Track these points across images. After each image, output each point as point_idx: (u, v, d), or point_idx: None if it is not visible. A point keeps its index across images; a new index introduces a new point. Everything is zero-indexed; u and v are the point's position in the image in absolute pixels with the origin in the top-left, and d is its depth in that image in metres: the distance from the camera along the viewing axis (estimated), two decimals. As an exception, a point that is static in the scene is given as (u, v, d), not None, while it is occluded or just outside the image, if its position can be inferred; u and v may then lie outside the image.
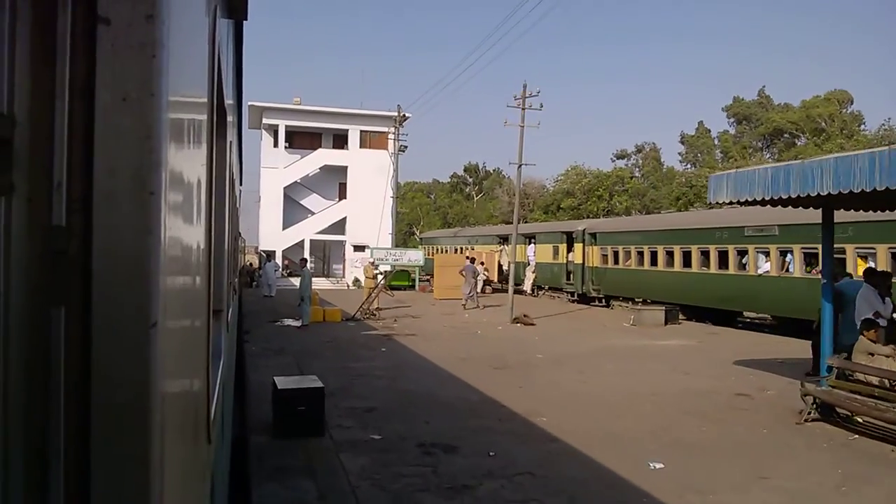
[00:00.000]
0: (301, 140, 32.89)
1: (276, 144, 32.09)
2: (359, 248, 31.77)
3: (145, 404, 0.63)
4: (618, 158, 52.98)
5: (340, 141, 33.08)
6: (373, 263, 23.80)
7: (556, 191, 49.49)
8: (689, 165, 50.52)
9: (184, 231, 0.83)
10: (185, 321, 0.87)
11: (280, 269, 31.81)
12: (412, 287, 28.60)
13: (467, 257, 23.15)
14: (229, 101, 2.41)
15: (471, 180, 67.55)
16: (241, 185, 9.41)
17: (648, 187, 47.04)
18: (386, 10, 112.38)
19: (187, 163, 0.83)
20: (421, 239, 40.24)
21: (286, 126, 31.61)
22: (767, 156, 43.05)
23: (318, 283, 30.65)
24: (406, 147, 31.79)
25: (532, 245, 26.77)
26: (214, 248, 1.32)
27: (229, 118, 2.41)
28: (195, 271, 0.97)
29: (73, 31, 0.63)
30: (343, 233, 32.49)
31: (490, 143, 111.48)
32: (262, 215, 31.59)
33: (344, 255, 32.80)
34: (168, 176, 0.67)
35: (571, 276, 23.98)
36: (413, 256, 28.25)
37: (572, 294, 23.76)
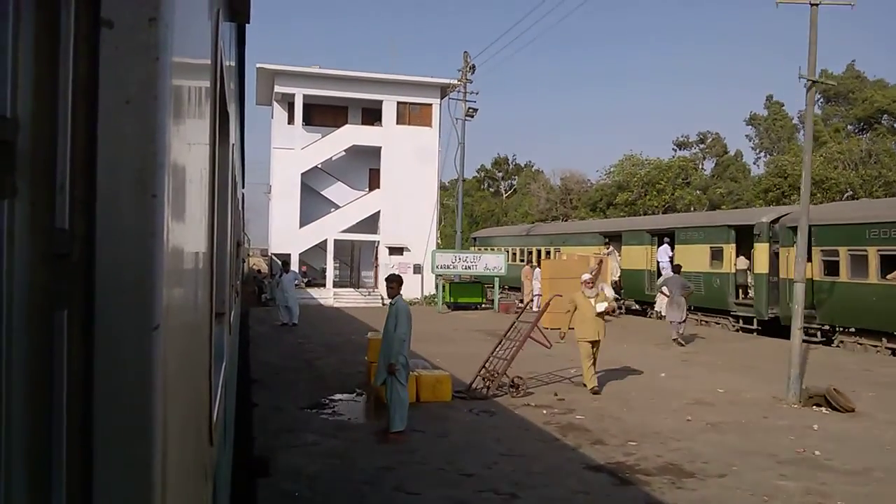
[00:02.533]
0: (322, 115, 33.47)
1: (290, 120, 32.50)
2: (396, 250, 32.14)
3: (148, 407, 0.82)
4: (679, 148, 57.39)
5: (372, 116, 33.55)
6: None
7: (599, 186, 54.24)
8: (763, 153, 54.12)
9: (186, 234, 1.03)
10: (187, 324, 1.07)
11: (300, 280, 32.51)
12: (482, 305, 27.95)
13: (673, 264, 20.82)
14: (231, 103, 2.81)
15: (500, 175, 72.49)
16: (243, 187, 10.65)
17: (715, 180, 50.94)
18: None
19: (189, 165, 1.03)
20: (475, 239, 40.30)
21: (304, 96, 31.78)
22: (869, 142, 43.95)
23: (345, 298, 31.10)
24: (476, 111, 31.91)
25: (665, 246, 23.74)
26: (216, 250, 1.55)
27: (231, 121, 2.83)
28: (197, 274, 1.18)
29: (76, 34, 0.82)
30: (375, 231, 32.92)
31: (520, 135, 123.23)
32: (274, 209, 32.04)
33: (376, 258, 33.22)
34: (171, 179, 0.86)
35: (744, 291, 20.93)
36: (492, 263, 27.54)
37: (743, 320, 20.39)
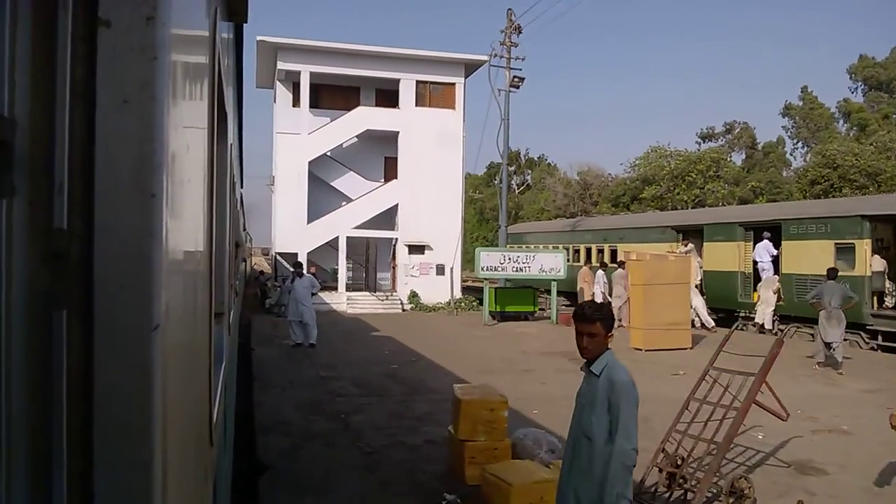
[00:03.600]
0: (331, 96, 33.63)
1: (296, 102, 32.60)
2: (416, 248, 32.32)
3: (148, 407, 0.93)
4: (703, 140, 61.16)
5: (387, 98, 33.67)
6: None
7: (621, 181, 57.50)
8: (800, 144, 57.91)
9: (185, 233, 1.14)
10: (187, 324, 1.19)
11: (316, 287, 32.11)
12: (534, 315, 26.98)
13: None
14: (229, 103, 3.03)
15: (512, 169, 76.65)
16: (242, 187, 11.38)
17: (748, 172, 53.92)
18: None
19: (188, 165, 1.15)
20: (516, 237, 40.46)
21: (311, 74, 31.81)
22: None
23: (360, 303, 31.12)
24: (522, 81, 31.45)
25: (766, 242, 21.57)
26: (216, 250, 1.68)
27: (229, 120, 3.06)
28: (197, 274, 1.30)
29: (74, 34, 0.94)
30: (393, 227, 33.02)
31: (532, 128, 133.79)
32: (278, 203, 32.06)
33: (393, 258, 33.36)
34: (169, 178, 0.97)
35: (879, 299, 19.10)
36: (549, 264, 25.64)
37: (883, 336, 18.32)
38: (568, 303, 30.45)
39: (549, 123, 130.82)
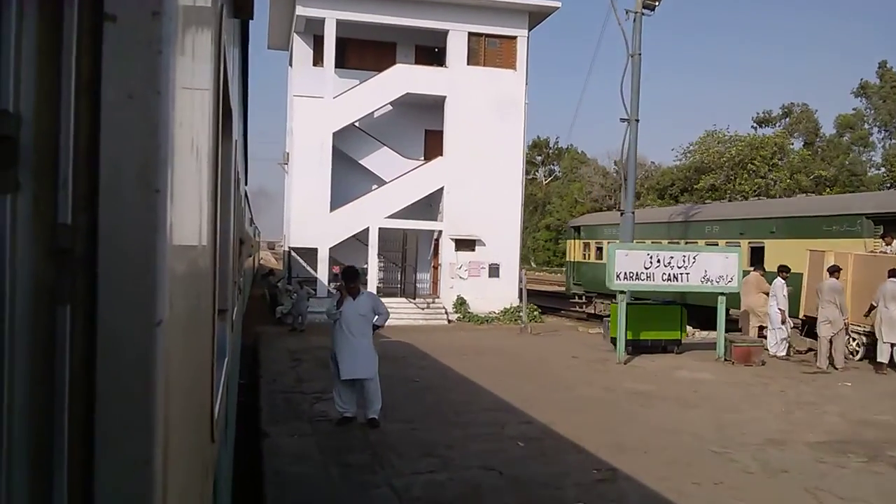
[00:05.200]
0: (361, 53, 33.72)
1: (318, 60, 32.75)
2: (464, 243, 32.27)
3: (150, 402, 1.18)
4: (759, 125, 66.18)
5: (429, 56, 33.90)
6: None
7: (666, 170, 62.47)
8: (880, 128, 62.16)
9: (189, 229, 1.40)
10: (190, 320, 1.46)
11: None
12: (679, 345, 22.53)
13: None
14: (234, 100, 3.42)
15: (539, 159, 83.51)
16: (246, 184, 12.89)
17: (813, 158, 58.07)
18: None
19: (193, 161, 1.41)
20: (574, 230, 40.18)
21: (337, 24, 31.51)
22: None
23: (396, 312, 29.91)
24: (656, 4, 27.76)
25: None
26: (220, 247, 1.95)
27: (234, 117, 3.46)
28: (200, 270, 1.58)
29: (80, 28, 1.18)
30: (435, 216, 33.10)
31: (557, 116, 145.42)
32: (293, 186, 32.06)
33: (435, 255, 33.51)
34: (173, 174, 1.22)
35: None
36: (717, 268, 21.16)
37: None
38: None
39: (581, 111, 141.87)
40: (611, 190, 70.16)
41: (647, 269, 20.87)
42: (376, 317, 11.96)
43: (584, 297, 37.35)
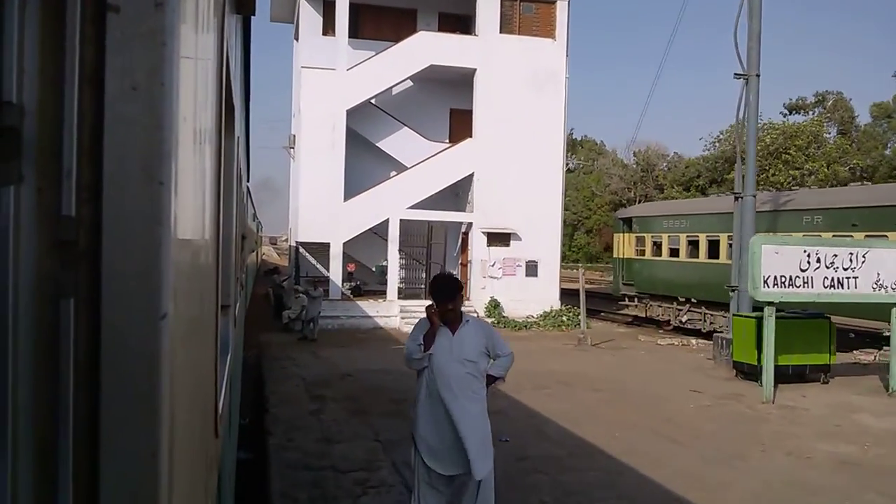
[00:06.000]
0: (378, 22, 33.88)
1: (328, 30, 32.91)
2: (497, 237, 32.41)
3: (155, 397, 1.35)
4: (791, 111, 71.11)
5: (454, 23, 34.00)
6: None
7: (691, 161, 67.80)
8: None
9: (192, 223, 1.57)
10: (194, 314, 1.63)
11: (351, 284, 32.64)
12: (827, 370, 20.15)
13: None
14: (237, 96, 3.74)
15: None
16: (248, 180, 13.68)
17: (850, 147, 62.12)
18: None
19: (196, 154, 1.58)
20: (624, 222, 39.59)
21: None
22: None
23: (419, 317, 30.53)
24: None
25: None
26: (222, 242, 2.14)
27: (237, 113, 3.77)
28: (204, 264, 1.75)
29: (83, 19, 1.34)
30: (463, 207, 33.34)
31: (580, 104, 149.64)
32: (301, 173, 31.93)
33: (464, 250, 33.70)
34: (177, 167, 1.38)
35: None
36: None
37: None
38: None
39: (594, 102, 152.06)
40: (630, 182, 76.05)
41: (803, 271, 17.84)
42: (491, 362, 7.90)
43: (635, 300, 37.40)
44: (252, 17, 3.98)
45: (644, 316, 36.82)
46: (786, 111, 72.42)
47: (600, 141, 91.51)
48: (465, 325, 7.74)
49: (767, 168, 57.76)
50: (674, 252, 34.67)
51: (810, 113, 70.53)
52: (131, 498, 1.38)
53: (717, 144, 69.24)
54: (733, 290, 23.06)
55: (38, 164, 1.33)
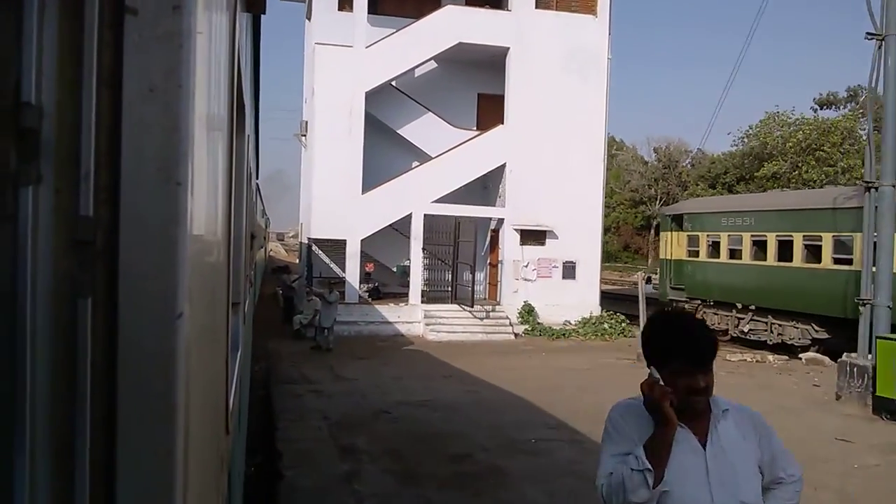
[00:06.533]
0: (397, -1, 33.70)
1: (344, 5, 32.51)
2: (531, 235, 32.39)
3: (170, 396, 1.52)
4: (821, 107, 74.13)
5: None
6: None
7: (716, 158, 72.66)
8: None
9: (206, 222, 1.75)
10: (207, 313, 1.82)
11: (368, 285, 32.77)
12: None
13: None
14: (247, 95, 4.09)
15: None
16: (257, 178, 14.49)
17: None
18: None
19: (211, 155, 1.76)
20: (673, 219, 38.55)
21: None
22: None
23: (447, 323, 30.06)
24: None
25: None
26: (233, 240, 2.34)
27: (247, 112, 4.13)
28: (216, 263, 1.94)
29: (101, 22, 1.51)
30: (492, 201, 33.36)
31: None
32: (315, 163, 31.86)
33: (492, 249, 33.73)
34: (193, 167, 1.55)
35: None
36: None
37: None
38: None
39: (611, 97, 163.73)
40: (651, 179, 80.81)
41: None
42: (775, 488, 4.39)
43: (686, 306, 35.49)
44: (262, 14, 4.37)
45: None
46: (816, 107, 74.86)
47: (619, 138, 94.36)
48: (722, 418, 4.26)
49: (800, 165, 61.19)
50: (735, 253, 34.06)
51: (841, 108, 73.31)
52: (147, 495, 1.55)
53: (744, 140, 72.83)
54: (864, 304, 19.85)
55: (57, 165, 1.50)
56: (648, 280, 65.60)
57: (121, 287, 1.53)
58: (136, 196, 1.53)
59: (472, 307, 31.53)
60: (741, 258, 33.39)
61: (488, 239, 34.20)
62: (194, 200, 1.61)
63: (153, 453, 1.55)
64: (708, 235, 35.79)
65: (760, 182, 62.82)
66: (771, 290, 31.15)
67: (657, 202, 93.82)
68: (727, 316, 34.28)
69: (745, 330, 33.07)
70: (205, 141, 1.73)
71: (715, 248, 35.25)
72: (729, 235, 34.42)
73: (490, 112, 33.57)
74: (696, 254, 36.43)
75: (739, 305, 33.22)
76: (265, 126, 33.58)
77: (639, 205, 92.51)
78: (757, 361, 27.63)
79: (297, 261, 40.70)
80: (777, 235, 31.75)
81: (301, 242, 36.99)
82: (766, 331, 31.95)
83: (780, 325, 31.14)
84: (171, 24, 1.54)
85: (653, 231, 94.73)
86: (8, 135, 1.44)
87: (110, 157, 1.53)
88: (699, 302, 35.88)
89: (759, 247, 32.67)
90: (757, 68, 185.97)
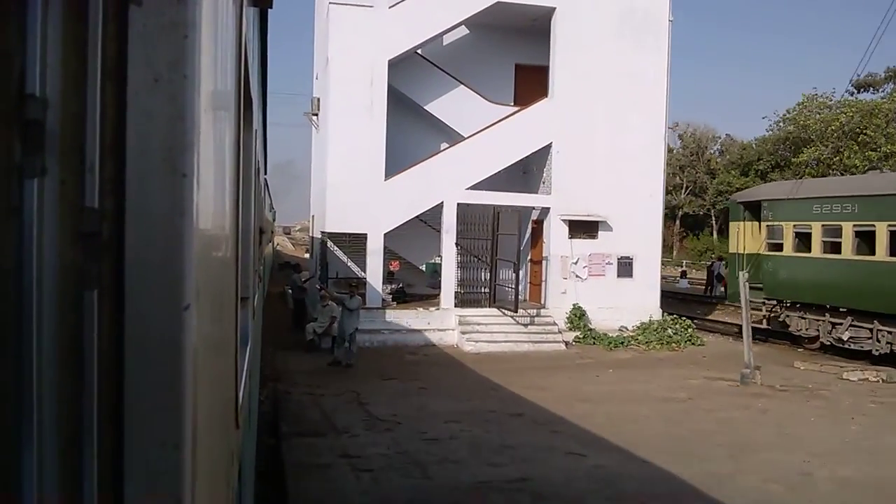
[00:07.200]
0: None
1: None
2: (582, 227, 32.38)
3: (178, 388, 1.76)
4: (859, 90, 75.43)
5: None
6: None
7: (746, 145, 78.75)
8: None
9: (214, 215, 1.99)
10: (215, 306, 2.06)
11: (392, 286, 32.46)
12: None
13: None
14: (255, 90, 4.50)
15: None
16: (265, 173, 15.22)
17: None
18: None
19: (217, 147, 2.00)
20: (751, 207, 37.58)
21: None
22: None
23: (485, 331, 29.64)
24: None
25: None
26: (241, 234, 2.61)
27: (254, 106, 4.56)
28: (224, 256, 2.20)
29: (105, 12, 1.74)
30: (533, 187, 33.29)
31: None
32: (330, 144, 31.28)
33: (534, 244, 33.79)
34: (199, 159, 1.79)
35: None
36: None
37: None
38: None
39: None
40: (677, 167, 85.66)
41: None
42: None
43: (763, 308, 35.62)
44: (269, 9, 4.70)
45: (786, 330, 34.94)
46: (853, 89, 76.97)
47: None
48: None
49: (842, 150, 63.54)
50: (832, 247, 32.90)
51: (880, 90, 75.70)
52: (155, 489, 1.78)
53: (780, 124, 76.82)
54: None
55: (62, 156, 1.71)
56: (683, 275, 65.93)
57: (127, 279, 1.75)
58: (142, 187, 1.75)
59: (517, 312, 31.08)
60: (840, 252, 32.09)
61: (528, 231, 34.13)
62: (200, 192, 1.83)
63: (161, 447, 1.77)
64: (795, 226, 34.61)
65: (798, 169, 65.41)
66: (880, 291, 30.14)
67: (683, 191, 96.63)
68: (818, 320, 33.04)
69: (844, 337, 31.63)
70: (211, 133, 1.94)
71: (803, 240, 34.07)
72: (823, 226, 33.05)
73: (529, 86, 33.57)
74: (779, 247, 35.31)
75: (828, 307, 32.08)
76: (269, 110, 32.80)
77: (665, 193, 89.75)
78: (885, 382, 26.39)
79: (307, 255, 40.30)
80: (889, 226, 30.41)
81: (312, 237, 36.72)
82: (869, 338, 30.66)
83: (890, 333, 30.05)
84: (176, 14, 1.76)
85: (678, 222, 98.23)
86: (12, 127, 1.63)
87: (115, 148, 1.74)
88: (774, 303, 35.22)
89: (864, 239, 31.66)
90: (787, 50, 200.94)
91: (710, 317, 39.03)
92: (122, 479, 1.77)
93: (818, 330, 32.98)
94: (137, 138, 1.77)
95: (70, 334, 1.73)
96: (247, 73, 3.25)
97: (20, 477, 1.67)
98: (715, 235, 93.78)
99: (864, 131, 63.46)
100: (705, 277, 59.54)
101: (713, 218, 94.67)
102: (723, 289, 51.55)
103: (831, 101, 70.39)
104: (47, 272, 1.70)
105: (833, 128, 65.44)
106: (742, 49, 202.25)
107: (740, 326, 33.73)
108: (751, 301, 33.70)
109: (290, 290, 35.91)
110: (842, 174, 55.41)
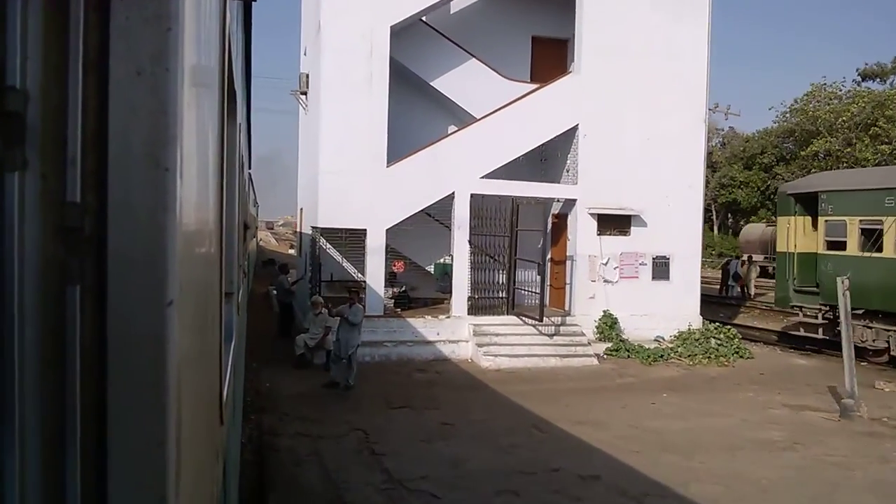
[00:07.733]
0: None
1: None
2: (611, 220, 31.64)
3: (162, 385, 1.97)
4: (865, 79, 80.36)
5: None
6: None
7: (749, 138, 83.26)
8: None
9: (197, 210, 2.20)
10: (199, 301, 2.26)
11: (394, 290, 31.42)
12: None
13: None
14: (238, 83, 4.79)
15: None
16: (249, 168, 15.40)
17: None
18: None
19: (201, 141, 2.21)
20: (803, 199, 36.20)
21: None
22: None
23: (507, 343, 28.47)
24: None
25: None
26: (225, 229, 2.84)
27: (238, 100, 4.88)
28: (208, 252, 2.41)
29: (87, 4, 1.94)
30: (553, 176, 32.64)
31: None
32: (322, 126, 29.67)
33: (556, 241, 33.21)
34: (182, 152, 2.00)
35: None
36: None
37: None
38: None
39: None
40: None
41: None
42: None
43: (820, 316, 34.14)
44: (253, 2, 4.93)
45: (821, 336, 33.74)
46: (859, 78, 79.96)
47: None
48: None
49: (854, 142, 66.33)
50: None
51: (887, 80, 78.70)
52: (139, 486, 1.96)
53: (786, 115, 79.81)
54: None
55: (43, 150, 1.88)
56: None
57: (110, 274, 1.92)
58: (124, 182, 1.93)
59: (541, 320, 29.70)
60: None
61: (548, 227, 33.38)
62: (184, 187, 2.01)
63: (145, 443, 1.96)
64: (861, 221, 32.71)
65: (806, 162, 69.29)
66: None
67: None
68: (887, 331, 31.28)
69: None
70: (194, 127, 2.11)
71: (873, 238, 31.96)
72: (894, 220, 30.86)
73: (547, 60, 33.24)
74: (840, 245, 33.35)
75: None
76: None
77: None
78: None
79: (292, 251, 39.31)
80: None
81: (300, 233, 35.55)
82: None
83: None
84: (159, 7, 1.94)
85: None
86: (-8, 119, 1.73)
87: (97, 142, 1.92)
88: (827, 308, 33.33)
89: None
90: (792, 40, 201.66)
91: (735, 321, 37.73)
92: (106, 477, 1.95)
93: (888, 341, 31.37)
94: (120, 132, 1.95)
95: (52, 331, 1.90)
96: (230, 67, 3.40)
97: (2, 475, 1.84)
98: (716, 231, 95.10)
99: (876, 123, 65.53)
100: (720, 277, 58.54)
101: (714, 213, 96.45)
102: (739, 289, 53.01)
103: (840, 90, 73.17)
104: (28, 268, 1.87)
105: (843, 118, 67.72)
106: (742, 46, 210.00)
107: (779, 333, 34.14)
108: (802, 307, 34.27)
109: (274, 292, 34.37)
110: (851, 167, 56.72)
